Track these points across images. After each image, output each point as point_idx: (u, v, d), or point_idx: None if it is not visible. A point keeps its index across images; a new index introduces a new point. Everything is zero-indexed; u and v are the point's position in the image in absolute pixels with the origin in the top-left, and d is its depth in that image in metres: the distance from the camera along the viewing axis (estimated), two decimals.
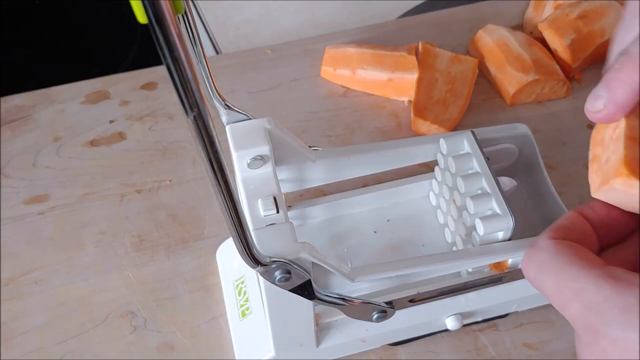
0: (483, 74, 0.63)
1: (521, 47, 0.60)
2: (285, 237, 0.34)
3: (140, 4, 0.19)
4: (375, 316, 0.40)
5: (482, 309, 0.46)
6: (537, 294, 0.46)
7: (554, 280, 0.26)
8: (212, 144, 0.24)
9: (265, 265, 0.33)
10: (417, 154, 0.45)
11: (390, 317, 0.41)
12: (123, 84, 0.62)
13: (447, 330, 0.46)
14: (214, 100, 0.38)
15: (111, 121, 0.60)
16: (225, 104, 0.38)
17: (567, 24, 0.61)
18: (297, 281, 0.35)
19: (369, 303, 0.39)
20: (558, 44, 0.61)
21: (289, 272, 0.34)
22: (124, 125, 0.59)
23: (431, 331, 0.47)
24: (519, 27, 0.67)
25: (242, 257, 0.31)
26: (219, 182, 0.26)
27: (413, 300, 0.42)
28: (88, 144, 0.58)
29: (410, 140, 0.45)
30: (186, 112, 0.23)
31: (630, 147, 0.29)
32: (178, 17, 0.20)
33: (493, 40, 0.62)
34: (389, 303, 0.40)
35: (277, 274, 0.34)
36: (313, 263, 0.35)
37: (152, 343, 0.47)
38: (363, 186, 0.49)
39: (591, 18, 0.61)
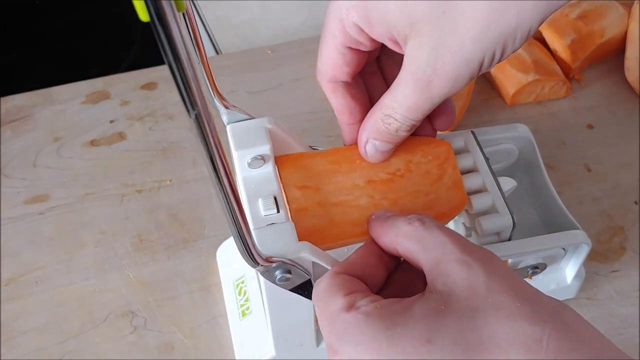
0: (483, 74, 0.63)
1: (521, 47, 0.60)
2: (285, 237, 0.34)
3: (142, 2, 0.19)
4: None
5: None
6: None
7: (319, 310, 0.31)
8: (213, 142, 0.24)
9: (266, 264, 0.33)
10: None
11: None
12: (123, 84, 0.62)
13: None
14: (215, 100, 0.38)
15: (111, 121, 0.60)
16: (226, 104, 0.38)
17: (567, 24, 0.61)
18: (297, 281, 0.35)
19: None
20: (558, 44, 0.61)
21: (290, 272, 0.34)
22: (124, 125, 0.59)
23: None
24: None
25: (242, 256, 0.31)
26: (220, 181, 0.26)
27: None
28: (88, 144, 0.58)
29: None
30: (187, 110, 0.23)
31: (298, 220, 0.36)
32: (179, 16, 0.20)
33: None
34: None
35: (278, 274, 0.34)
36: (313, 262, 0.35)
37: (153, 343, 0.47)
38: None
39: (591, 18, 0.61)
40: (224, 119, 0.39)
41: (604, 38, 0.61)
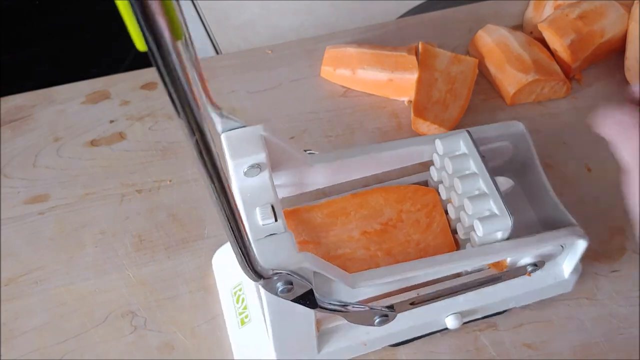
0: (483, 74, 0.63)
1: (521, 47, 0.60)
2: (285, 248, 0.34)
3: (138, 32, 0.18)
4: (377, 320, 0.40)
5: (480, 307, 0.46)
6: (533, 290, 0.47)
7: None
8: (214, 165, 0.24)
9: (268, 277, 0.32)
10: (413, 155, 0.45)
11: (392, 320, 0.41)
12: (123, 84, 0.62)
13: (447, 329, 0.46)
14: (209, 109, 0.37)
15: (111, 121, 0.60)
16: (220, 112, 0.38)
17: (567, 24, 0.61)
18: (299, 291, 0.34)
19: (370, 308, 0.39)
20: (558, 44, 0.61)
21: (291, 283, 0.33)
22: (124, 125, 0.59)
23: (431, 330, 0.47)
24: (518, 27, 0.67)
25: (244, 271, 0.31)
26: (220, 201, 0.26)
27: (414, 303, 0.42)
28: (88, 144, 0.58)
29: (406, 141, 0.45)
30: (188, 136, 0.22)
31: None
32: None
33: (493, 40, 0.62)
34: (390, 307, 0.40)
35: (279, 286, 0.33)
36: (314, 272, 0.35)
37: (153, 343, 0.47)
38: (364, 186, 0.49)
39: (591, 18, 0.61)
40: (218, 127, 0.39)
41: (604, 38, 0.61)
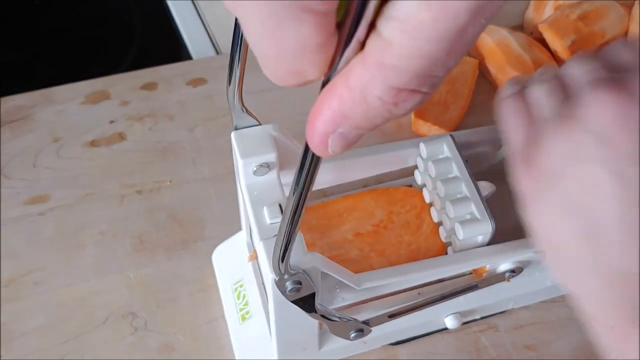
0: (483, 75, 0.63)
1: (521, 48, 0.60)
2: (296, 248, 0.34)
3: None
4: (352, 335, 0.40)
5: (480, 307, 0.46)
6: (532, 291, 0.47)
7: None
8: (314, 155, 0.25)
9: (287, 274, 0.33)
10: (397, 159, 0.45)
11: (367, 334, 0.41)
12: (123, 84, 0.62)
13: (446, 329, 0.46)
14: (235, 102, 0.38)
15: (111, 121, 0.60)
16: (244, 108, 0.38)
17: (567, 24, 0.61)
18: (304, 293, 0.34)
19: (348, 320, 0.39)
20: (558, 44, 0.61)
21: (300, 283, 0.33)
22: (124, 126, 0.59)
23: (431, 330, 0.47)
24: (519, 27, 0.67)
25: (272, 264, 0.31)
26: (301, 194, 0.26)
27: (392, 316, 0.42)
28: (88, 144, 0.58)
29: (390, 145, 0.45)
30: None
31: None
32: None
33: (493, 40, 0.61)
34: (366, 322, 0.40)
35: (289, 285, 0.33)
36: (322, 274, 0.35)
37: (153, 344, 0.47)
38: (364, 186, 0.49)
39: (591, 19, 0.61)
40: (235, 121, 0.39)
41: (604, 39, 0.61)
